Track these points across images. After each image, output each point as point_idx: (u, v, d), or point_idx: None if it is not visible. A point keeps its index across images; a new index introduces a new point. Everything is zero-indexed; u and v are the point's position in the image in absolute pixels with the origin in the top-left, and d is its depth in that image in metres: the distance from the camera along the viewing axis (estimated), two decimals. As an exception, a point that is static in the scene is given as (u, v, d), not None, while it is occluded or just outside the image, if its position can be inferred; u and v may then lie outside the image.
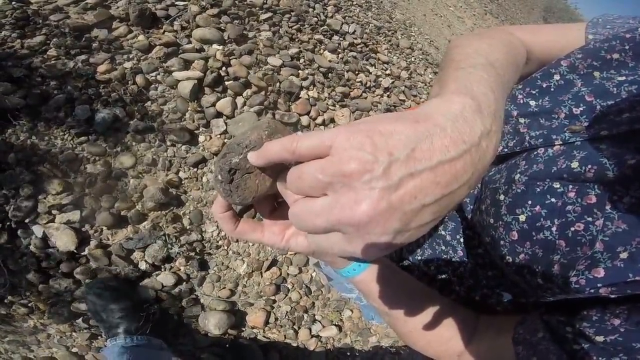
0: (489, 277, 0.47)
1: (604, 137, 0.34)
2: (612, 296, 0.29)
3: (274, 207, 0.39)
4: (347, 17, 2.03)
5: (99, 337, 1.00)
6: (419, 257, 0.57)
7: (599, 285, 0.29)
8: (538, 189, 0.35)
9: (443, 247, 0.53)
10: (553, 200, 0.34)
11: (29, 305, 0.94)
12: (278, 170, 0.32)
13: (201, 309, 1.11)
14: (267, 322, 1.17)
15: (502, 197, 0.38)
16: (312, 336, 1.23)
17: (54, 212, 1.01)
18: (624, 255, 0.29)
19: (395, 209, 0.22)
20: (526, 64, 0.48)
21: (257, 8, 1.66)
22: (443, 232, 0.54)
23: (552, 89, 0.41)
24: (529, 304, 0.44)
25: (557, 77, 0.41)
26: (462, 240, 0.51)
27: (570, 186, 0.33)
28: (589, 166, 0.33)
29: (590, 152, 0.34)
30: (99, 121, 1.20)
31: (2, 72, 1.20)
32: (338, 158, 0.22)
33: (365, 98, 1.74)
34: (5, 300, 0.96)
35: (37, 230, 0.97)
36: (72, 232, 0.99)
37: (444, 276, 0.54)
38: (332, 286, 1.34)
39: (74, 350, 0.98)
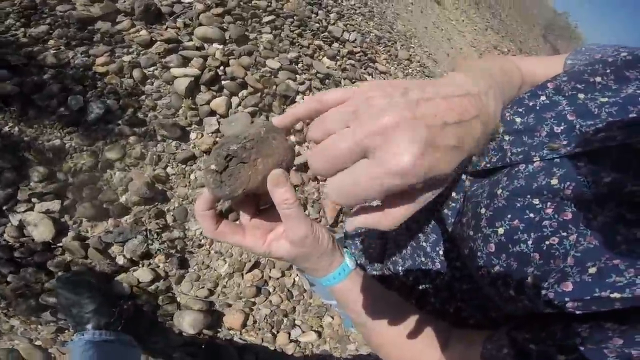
0: (464, 291, 0.46)
1: (581, 154, 0.34)
2: (578, 312, 0.28)
3: (256, 211, 0.38)
4: (348, 25, 1.94)
5: (66, 331, 0.91)
6: (400, 267, 0.56)
7: (566, 299, 0.29)
8: (518, 204, 0.34)
9: (423, 259, 0.52)
10: (531, 215, 0.33)
11: None
12: (271, 166, 0.32)
13: (177, 307, 1.01)
14: (244, 324, 1.08)
15: (483, 210, 0.37)
16: (291, 341, 1.13)
17: (33, 200, 0.93)
18: (592, 270, 0.28)
19: (419, 120, 0.22)
20: (521, 88, 0.48)
21: (261, 10, 1.57)
22: (424, 244, 0.52)
23: (537, 107, 0.40)
24: (500, 318, 0.42)
25: (543, 97, 0.40)
26: (441, 252, 0.49)
27: (549, 203, 0.32)
28: (568, 183, 0.32)
29: (569, 169, 0.33)
30: (91, 112, 1.12)
31: (1, 59, 1.13)
32: (360, 91, 0.24)
33: None
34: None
35: (14, 218, 0.89)
36: (51, 222, 0.91)
37: (421, 287, 0.52)
38: (314, 291, 1.25)
39: (38, 343, 0.89)
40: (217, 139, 1.26)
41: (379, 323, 0.42)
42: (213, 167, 0.31)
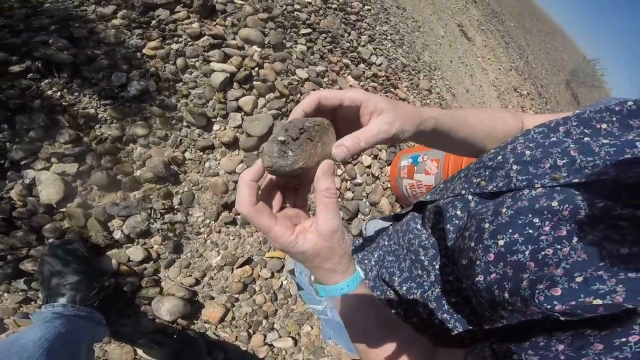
0: (452, 303, 0.46)
1: (578, 184, 0.35)
2: (563, 319, 0.28)
3: (287, 199, 0.39)
4: (377, 49, 1.84)
5: (32, 302, 0.80)
6: (396, 278, 0.55)
7: (555, 302, 0.29)
8: (520, 221, 0.35)
9: (419, 272, 0.52)
10: (530, 231, 0.34)
11: None
12: (325, 154, 0.33)
13: (159, 292, 0.92)
14: (222, 320, 0.97)
15: (487, 225, 0.38)
16: (265, 344, 1.02)
17: (53, 159, 0.88)
18: (579, 279, 0.29)
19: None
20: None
21: (300, 22, 1.50)
22: (423, 258, 0.51)
23: (546, 144, 0.41)
24: (482, 331, 0.43)
25: (554, 139, 0.41)
26: (437, 266, 0.49)
27: (547, 222, 0.33)
28: (566, 205, 0.33)
29: (567, 195, 0.34)
30: (130, 89, 1.06)
31: (66, 30, 1.10)
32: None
33: (398, 144, 1.49)
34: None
35: (28, 175, 0.84)
36: (62, 184, 0.86)
37: (411, 297, 0.52)
38: (300, 296, 1.13)
39: None
40: (238, 134, 1.17)
41: (374, 337, 0.40)
42: (282, 137, 0.30)
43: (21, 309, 0.79)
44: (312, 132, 0.31)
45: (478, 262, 0.36)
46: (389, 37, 1.98)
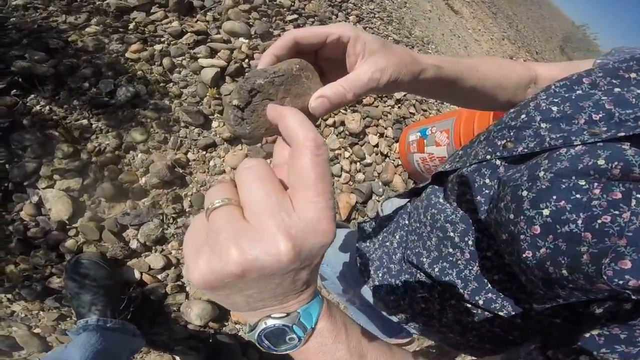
0: (494, 281, 0.45)
1: (624, 138, 0.33)
2: (634, 297, 0.27)
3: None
4: (367, 28, 1.93)
5: (68, 319, 0.86)
6: (425, 259, 0.54)
7: (627, 277, 0.27)
8: (563, 185, 0.33)
9: (450, 250, 0.50)
10: (578, 196, 0.31)
11: (0, 277, 0.81)
12: (300, 108, 0.28)
13: (185, 297, 0.97)
14: (252, 318, 1.01)
15: (524, 193, 0.35)
16: (297, 337, 1.06)
17: (55, 177, 0.91)
18: None
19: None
20: (535, 84, 0.52)
21: (285, 9, 1.57)
22: (452, 234, 0.49)
23: (573, 97, 0.39)
24: (532, 310, 0.41)
25: (579, 91, 0.40)
26: (470, 242, 0.47)
27: (596, 183, 0.31)
28: (615, 163, 0.31)
29: (614, 151, 0.32)
30: (120, 96, 1.10)
31: (40, 42, 1.13)
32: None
33: (377, 107, 1.58)
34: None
35: (34, 194, 0.87)
36: (69, 200, 0.89)
37: (447, 279, 0.50)
38: (324, 287, 1.18)
39: (37, 330, 0.84)
40: (239, 129, 1.22)
41: None
42: (235, 102, 0.27)
43: (59, 325, 0.84)
44: (269, 89, 0.27)
45: (522, 237, 0.34)
46: (377, 15, 2.06)
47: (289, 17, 1.54)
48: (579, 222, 0.30)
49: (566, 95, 0.40)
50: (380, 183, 1.38)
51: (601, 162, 0.31)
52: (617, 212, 0.29)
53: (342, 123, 1.41)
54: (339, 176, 1.33)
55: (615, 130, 0.33)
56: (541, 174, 0.35)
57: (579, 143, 0.35)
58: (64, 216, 0.87)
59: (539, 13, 8.80)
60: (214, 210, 0.21)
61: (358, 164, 1.38)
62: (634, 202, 0.29)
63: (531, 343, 0.37)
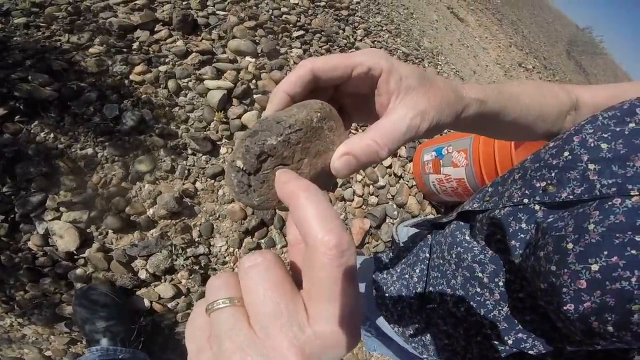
0: (526, 322, 0.44)
1: None
2: None
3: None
4: (375, 42, 1.95)
5: (79, 343, 0.89)
6: (449, 298, 0.54)
7: None
8: (617, 241, 0.31)
9: (478, 289, 0.49)
10: (633, 252, 0.30)
11: (10, 303, 0.84)
12: (320, 169, 0.24)
13: (196, 327, 0.97)
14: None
15: (570, 245, 0.34)
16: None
17: (62, 209, 0.92)
18: None
19: None
20: (576, 111, 0.48)
21: (291, 25, 1.59)
22: (480, 274, 0.49)
23: (626, 133, 0.36)
24: (564, 349, 0.41)
25: (632, 124, 0.36)
26: (501, 283, 0.47)
27: None
28: None
29: None
30: (125, 122, 1.11)
31: (43, 64, 1.14)
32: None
33: (428, 138, 1.59)
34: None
35: (41, 226, 0.88)
36: (76, 231, 0.90)
37: (473, 319, 0.50)
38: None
39: (48, 354, 0.86)
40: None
41: None
42: (239, 164, 0.22)
43: (70, 349, 0.87)
44: (284, 151, 0.22)
45: (565, 290, 0.34)
46: (384, 28, 2.09)
47: (296, 34, 1.55)
48: (633, 279, 0.30)
49: (617, 129, 0.37)
50: (394, 206, 1.39)
51: None
52: None
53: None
54: (352, 200, 1.33)
55: None
56: (591, 227, 0.33)
57: (637, 193, 0.33)
58: (72, 247, 0.88)
59: (543, 17, 8.95)
60: (216, 310, 0.20)
61: (371, 187, 1.39)
62: None
63: None
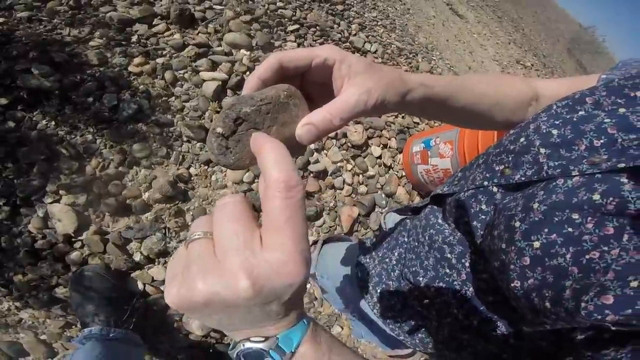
0: (489, 303, 0.46)
1: (622, 170, 0.33)
2: (614, 328, 0.29)
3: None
4: (370, 37, 1.98)
5: (74, 327, 0.92)
6: (421, 278, 0.56)
7: (606, 312, 0.28)
8: (556, 219, 0.34)
9: (447, 270, 0.52)
10: (570, 229, 0.32)
11: (9, 286, 0.88)
12: (287, 137, 0.29)
13: (188, 308, 1.02)
14: (253, 330, 1.06)
15: (517, 223, 0.37)
16: (298, 350, 1.11)
17: (61, 192, 0.97)
18: (634, 283, 0.28)
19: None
20: (537, 102, 0.52)
21: (286, 19, 1.64)
22: (449, 255, 0.52)
23: (574, 119, 0.39)
24: (525, 333, 0.43)
25: (582, 112, 0.39)
26: (467, 264, 0.49)
27: (589, 218, 0.32)
28: (611, 199, 0.31)
29: (611, 184, 0.32)
30: (123, 111, 1.16)
31: (45, 56, 1.19)
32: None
33: (380, 117, 1.62)
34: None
35: (41, 209, 0.93)
36: (75, 215, 0.95)
37: (443, 298, 0.52)
38: (326, 299, 1.22)
39: (43, 337, 0.90)
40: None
41: None
42: (219, 130, 0.27)
43: (65, 333, 0.91)
44: (256, 118, 0.27)
45: (512, 267, 0.36)
46: (379, 23, 2.14)
47: (291, 28, 1.60)
48: (568, 256, 0.32)
49: (567, 116, 0.39)
50: (383, 195, 1.43)
51: (596, 197, 0.32)
52: (606, 249, 0.30)
53: (345, 135, 1.47)
54: (341, 189, 1.38)
55: (615, 160, 0.33)
56: (535, 205, 0.36)
57: (577, 174, 0.35)
58: (70, 230, 0.93)
59: (545, 16, 8.90)
60: (192, 242, 0.24)
61: (361, 176, 1.43)
62: (625, 237, 0.30)
63: None
